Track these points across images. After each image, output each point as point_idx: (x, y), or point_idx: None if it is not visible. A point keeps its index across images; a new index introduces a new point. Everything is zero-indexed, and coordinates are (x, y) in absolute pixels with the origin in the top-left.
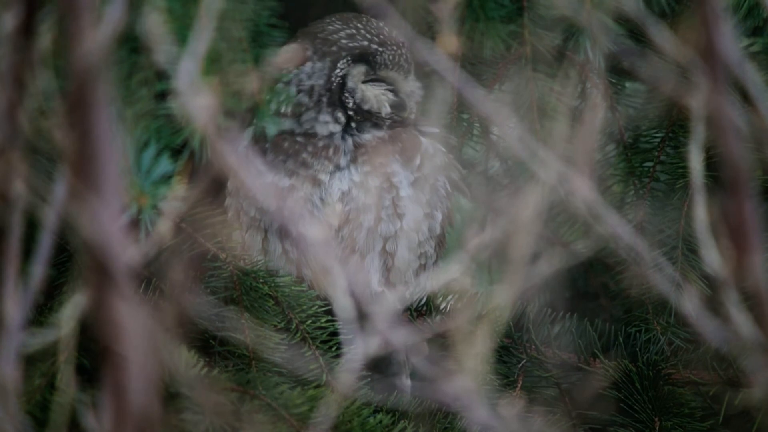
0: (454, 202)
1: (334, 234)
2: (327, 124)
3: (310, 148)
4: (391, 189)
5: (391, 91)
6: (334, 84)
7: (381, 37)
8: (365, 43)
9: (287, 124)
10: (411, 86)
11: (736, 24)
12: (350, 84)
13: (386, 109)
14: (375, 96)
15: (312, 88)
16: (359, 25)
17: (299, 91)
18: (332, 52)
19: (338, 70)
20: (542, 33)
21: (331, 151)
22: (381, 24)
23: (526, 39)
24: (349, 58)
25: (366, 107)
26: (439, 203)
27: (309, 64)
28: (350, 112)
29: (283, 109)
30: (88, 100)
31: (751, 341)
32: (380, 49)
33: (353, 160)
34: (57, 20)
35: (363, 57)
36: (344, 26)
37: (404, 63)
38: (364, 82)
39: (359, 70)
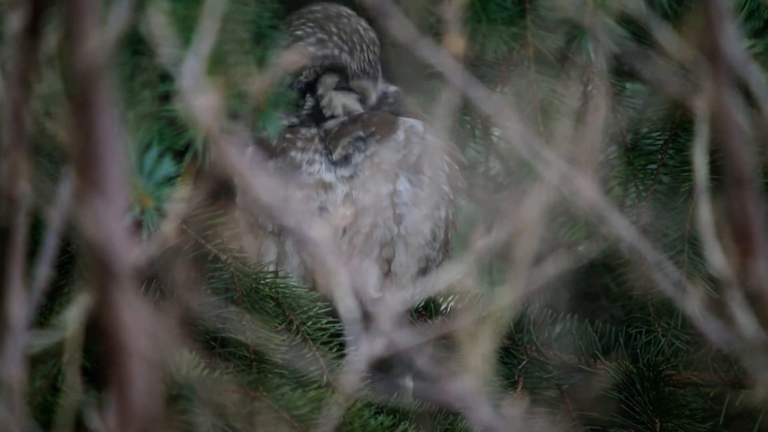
0: (458, 206)
1: (339, 237)
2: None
3: (299, 143)
4: (387, 182)
5: (360, 100)
6: (296, 89)
7: (351, 43)
8: (336, 52)
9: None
10: (380, 89)
11: (737, 25)
12: (320, 91)
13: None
14: (343, 105)
15: None
16: (332, 28)
17: None
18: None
19: (302, 77)
20: (545, 35)
21: (317, 140)
22: (353, 21)
23: (528, 41)
24: (318, 69)
25: (328, 113)
26: (441, 202)
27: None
28: (304, 113)
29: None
30: (91, 100)
31: (755, 342)
32: (350, 59)
33: (344, 159)
34: (62, 21)
35: (334, 67)
36: (315, 29)
37: (373, 70)
38: (335, 89)
39: (332, 80)
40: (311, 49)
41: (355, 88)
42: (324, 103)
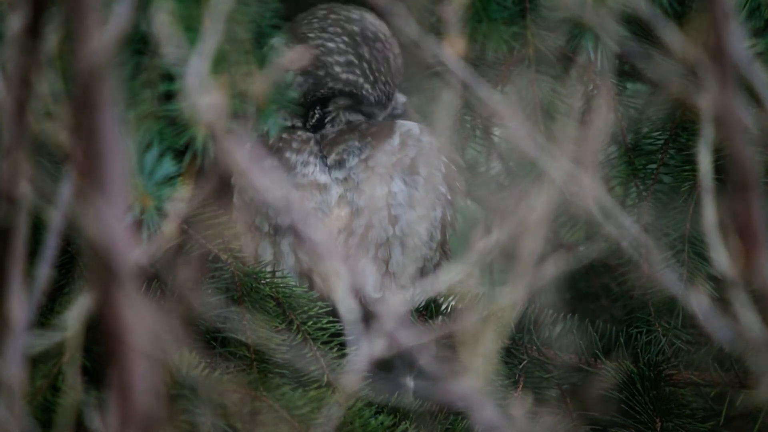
0: (456, 206)
1: (335, 237)
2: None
3: (294, 145)
4: (382, 183)
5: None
6: (308, 100)
7: (377, 73)
8: (360, 80)
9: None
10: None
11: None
12: (330, 107)
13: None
14: (348, 121)
15: None
16: (365, 53)
17: None
18: (318, 77)
19: (319, 93)
20: (545, 34)
21: (312, 143)
22: (388, 47)
23: (529, 40)
24: (336, 91)
25: (330, 125)
26: (437, 203)
27: (290, 74)
28: (309, 123)
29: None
30: (93, 100)
31: (759, 342)
32: (371, 90)
33: (339, 160)
34: (63, 21)
35: (352, 93)
36: (348, 48)
37: (388, 101)
38: (344, 108)
39: (345, 102)
40: (337, 68)
41: (365, 111)
42: (329, 119)
